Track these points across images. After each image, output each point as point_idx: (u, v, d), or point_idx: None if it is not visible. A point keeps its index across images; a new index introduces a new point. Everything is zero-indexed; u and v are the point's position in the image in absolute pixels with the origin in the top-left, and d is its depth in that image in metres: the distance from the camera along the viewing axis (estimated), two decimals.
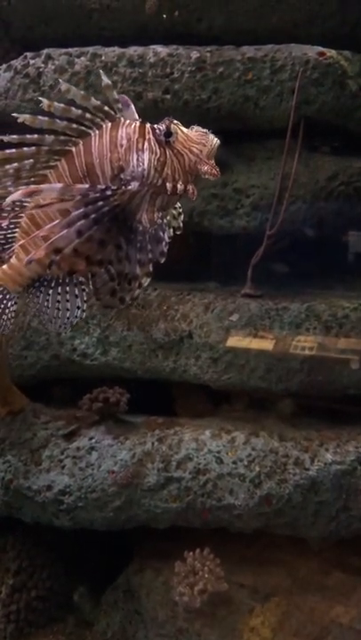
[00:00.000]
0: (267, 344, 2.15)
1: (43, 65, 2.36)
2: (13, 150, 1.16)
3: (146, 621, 2.01)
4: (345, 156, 2.41)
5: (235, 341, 2.17)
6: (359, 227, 2.49)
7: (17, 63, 2.40)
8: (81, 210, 1.13)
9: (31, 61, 2.38)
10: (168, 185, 1.14)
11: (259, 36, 2.37)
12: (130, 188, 1.15)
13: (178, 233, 1.34)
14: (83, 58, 2.33)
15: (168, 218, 1.32)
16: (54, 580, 2.23)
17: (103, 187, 1.15)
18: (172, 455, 2.02)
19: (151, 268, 1.28)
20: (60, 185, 1.16)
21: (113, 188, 1.15)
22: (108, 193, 1.14)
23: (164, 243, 1.28)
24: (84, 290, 1.33)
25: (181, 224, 1.35)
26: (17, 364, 2.36)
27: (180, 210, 1.34)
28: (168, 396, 2.40)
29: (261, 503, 1.93)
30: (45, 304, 1.38)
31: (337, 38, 2.34)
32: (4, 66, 2.43)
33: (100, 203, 1.14)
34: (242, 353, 2.16)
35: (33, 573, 2.19)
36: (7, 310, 1.40)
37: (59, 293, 1.36)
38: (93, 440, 2.10)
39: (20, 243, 1.23)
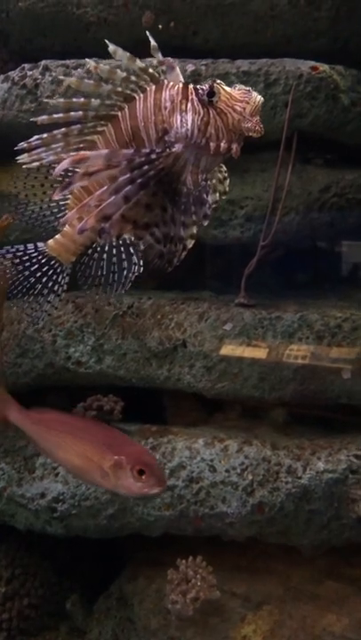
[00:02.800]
0: (260, 353, 2.16)
1: (40, 76, 2.38)
2: (60, 114, 1.16)
3: (138, 629, 2.01)
4: (338, 169, 2.45)
5: (228, 350, 2.18)
6: (352, 237, 2.53)
7: (14, 74, 2.42)
8: (127, 175, 1.13)
9: (28, 73, 2.40)
10: (212, 145, 1.14)
11: (253, 50, 2.41)
12: (174, 149, 1.15)
13: (224, 198, 1.34)
14: (80, 70, 2.36)
15: (214, 181, 1.32)
16: (47, 588, 2.23)
17: (148, 150, 1.16)
18: (166, 463, 2.03)
19: (195, 230, 1.28)
20: (105, 151, 1.17)
21: (157, 151, 1.15)
22: (153, 157, 1.15)
23: (207, 205, 1.28)
24: (137, 249, 1.34)
25: (228, 188, 1.34)
26: (11, 371, 2.37)
27: (226, 174, 1.33)
28: (161, 405, 2.42)
29: (254, 511, 1.94)
30: (99, 272, 1.39)
31: (330, 53, 2.38)
32: (2, 77, 2.44)
33: (146, 167, 1.14)
34: (235, 362, 2.17)
35: (25, 581, 2.19)
36: (57, 286, 1.40)
37: (113, 255, 1.36)
38: None
39: (72, 211, 1.22)
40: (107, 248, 1.37)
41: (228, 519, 1.95)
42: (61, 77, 1.15)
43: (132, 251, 1.35)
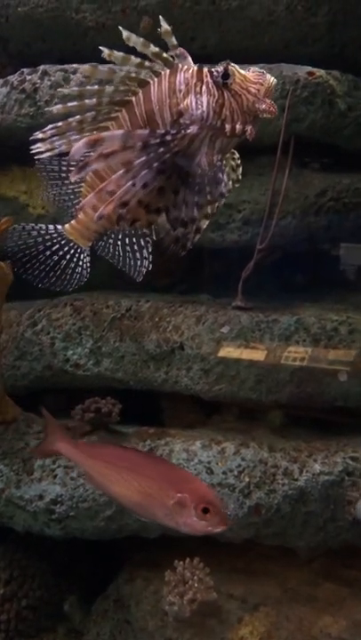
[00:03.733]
0: (257, 356, 2.18)
1: (39, 81, 2.40)
2: (75, 103, 1.16)
3: (135, 631, 2.02)
4: (334, 173, 2.47)
5: (226, 353, 2.20)
6: (348, 241, 2.54)
7: (13, 79, 2.43)
8: (143, 158, 1.14)
9: (27, 77, 2.42)
10: (227, 126, 1.15)
11: (251, 55, 2.42)
12: (189, 131, 1.16)
13: (237, 186, 1.34)
14: (78, 74, 2.37)
15: (227, 169, 1.32)
16: (45, 590, 2.23)
17: (163, 131, 1.16)
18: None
19: (210, 210, 1.28)
20: (121, 132, 1.17)
21: (172, 132, 1.16)
22: (169, 138, 1.15)
23: (223, 184, 1.27)
24: (148, 241, 1.34)
25: (240, 176, 1.35)
26: (10, 374, 2.38)
27: (239, 161, 1.34)
28: (158, 408, 2.42)
29: (250, 513, 1.95)
30: (117, 254, 1.39)
31: (326, 59, 2.40)
32: (1, 81, 2.46)
33: (162, 149, 1.15)
34: (233, 364, 2.19)
35: (23, 583, 2.19)
36: (81, 263, 1.41)
37: (127, 244, 1.37)
38: None
39: (87, 198, 1.22)
40: (120, 236, 1.37)
41: None
42: (75, 66, 1.15)
43: (142, 243, 1.36)
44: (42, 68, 2.42)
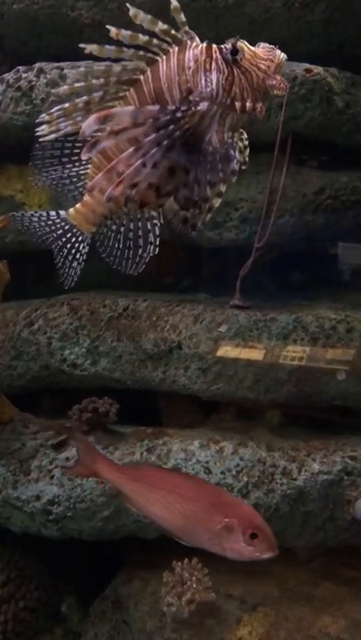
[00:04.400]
0: (255, 355, 2.17)
1: (35, 79, 2.39)
2: (82, 83, 1.15)
3: (134, 632, 2.01)
4: (332, 171, 2.46)
5: (224, 352, 2.19)
6: (346, 239, 2.54)
7: (9, 77, 2.42)
8: (152, 136, 1.12)
9: (23, 75, 2.41)
10: (237, 104, 1.13)
11: None
12: (199, 108, 1.14)
13: (244, 168, 1.32)
14: (74, 70, 2.36)
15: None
16: (42, 591, 2.22)
17: (173, 108, 1.14)
18: (161, 465, 2.02)
19: (222, 188, 1.26)
20: (131, 108, 1.15)
21: (183, 108, 1.14)
22: (179, 115, 1.13)
23: (235, 161, 1.25)
24: (155, 224, 1.32)
25: (247, 158, 1.32)
26: (6, 374, 2.37)
27: (247, 142, 1.32)
28: (156, 407, 2.42)
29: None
30: (116, 245, 1.36)
31: (324, 56, 2.39)
32: None
33: (172, 127, 1.13)
34: (230, 364, 2.18)
35: (21, 584, 2.18)
36: (78, 254, 1.39)
37: (130, 230, 1.34)
38: None
39: (96, 178, 1.19)
40: (125, 221, 1.35)
41: None
42: (82, 45, 1.12)
43: (149, 227, 1.33)
44: (38, 65, 2.41)
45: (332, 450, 2.05)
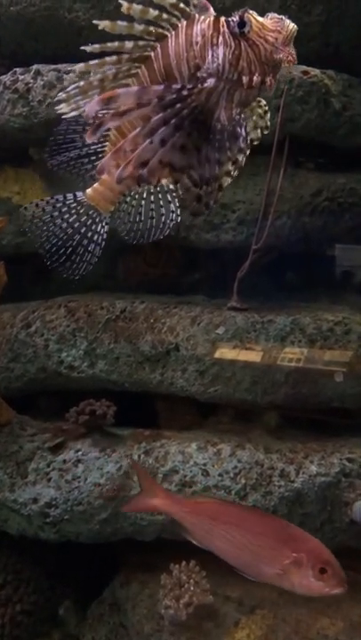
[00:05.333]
0: (253, 357, 2.17)
1: (32, 80, 2.39)
2: (96, 61, 1.13)
3: (131, 635, 2.00)
4: (329, 173, 2.46)
5: (221, 354, 2.19)
6: (343, 241, 2.54)
7: (6, 79, 2.42)
8: (160, 115, 1.11)
9: (20, 77, 2.40)
10: (244, 78, 1.11)
11: None
12: (206, 85, 1.12)
13: (265, 133, 1.30)
14: (71, 74, 2.35)
15: (254, 118, 1.28)
16: (39, 594, 2.21)
17: (179, 86, 1.12)
18: (159, 468, 2.02)
19: (231, 167, 1.24)
20: (135, 88, 1.13)
21: (189, 87, 1.12)
22: (185, 93, 1.12)
23: (241, 138, 1.23)
24: (174, 197, 1.32)
25: (268, 123, 1.30)
26: (3, 376, 2.37)
27: (266, 108, 1.29)
28: (153, 410, 2.41)
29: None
30: (137, 218, 1.36)
31: (321, 58, 2.39)
32: None
33: (179, 105, 1.11)
34: (228, 365, 2.18)
35: (18, 587, 2.17)
36: (97, 236, 1.37)
37: (152, 202, 1.34)
38: (80, 453, 2.11)
39: (105, 158, 1.19)
40: (145, 195, 1.35)
41: None
42: (95, 22, 1.11)
43: (169, 198, 1.33)
44: (35, 67, 2.41)
45: (330, 452, 2.05)
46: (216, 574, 2.01)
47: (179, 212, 1.34)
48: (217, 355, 2.18)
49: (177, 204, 1.33)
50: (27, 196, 2.56)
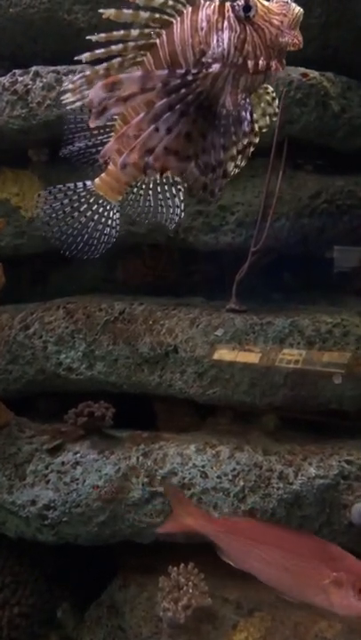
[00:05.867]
0: (251, 358, 2.17)
1: (31, 82, 2.39)
2: (102, 50, 1.12)
3: (129, 637, 2.00)
4: (328, 175, 2.47)
5: (220, 356, 2.19)
6: (342, 243, 2.54)
7: (5, 80, 2.42)
8: (164, 101, 1.09)
9: (19, 78, 2.40)
10: (249, 63, 1.09)
11: None
12: (211, 70, 1.11)
13: (275, 120, 1.29)
14: (71, 75, 2.36)
15: (262, 105, 1.27)
16: (37, 597, 2.21)
17: (183, 71, 1.11)
18: (157, 470, 2.02)
19: (235, 152, 1.23)
20: (139, 73, 1.12)
21: (193, 71, 1.11)
22: (190, 78, 1.10)
23: (246, 122, 1.21)
24: (179, 189, 1.32)
25: (278, 109, 1.30)
26: (2, 378, 2.36)
27: (274, 95, 1.28)
28: (152, 411, 2.41)
29: (246, 517, 1.94)
30: (147, 205, 1.37)
31: (319, 61, 2.40)
32: None
33: (183, 91, 1.10)
34: (227, 367, 2.18)
35: (16, 590, 2.17)
36: (110, 221, 1.37)
37: (159, 192, 1.34)
38: (78, 455, 2.10)
39: (108, 145, 1.17)
40: (151, 186, 1.35)
41: None
42: (101, 11, 1.10)
43: (174, 192, 1.33)
44: (34, 69, 2.41)
45: (329, 454, 2.05)
46: (214, 577, 2.01)
47: (183, 208, 1.34)
48: (216, 356, 2.18)
49: (181, 199, 1.33)
50: (25, 198, 2.56)
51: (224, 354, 2.18)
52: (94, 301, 2.40)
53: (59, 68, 2.38)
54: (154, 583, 1.98)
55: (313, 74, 2.32)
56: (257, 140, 1.27)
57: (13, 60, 2.62)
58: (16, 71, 2.43)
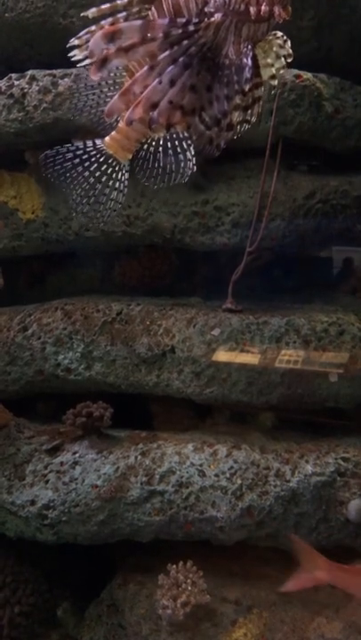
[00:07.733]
0: (248, 358, 2.18)
1: (27, 86, 2.40)
2: (107, 5, 1.12)
3: (129, 635, 2.01)
4: (322, 175, 2.48)
5: (217, 355, 2.20)
6: (336, 243, 2.56)
7: (1, 84, 2.43)
8: (167, 53, 1.07)
9: (16, 82, 2.42)
10: (252, 9, 1.08)
11: None
12: (213, 19, 1.09)
13: (290, 61, 1.27)
14: (66, 79, 2.38)
15: (274, 49, 1.26)
16: (38, 596, 2.21)
17: (184, 20, 1.09)
18: (155, 469, 2.03)
19: (239, 100, 1.22)
20: (139, 22, 1.09)
21: (195, 21, 1.09)
22: (192, 28, 1.09)
23: (248, 68, 1.19)
24: (189, 144, 1.31)
25: (290, 51, 1.27)
26: (0, 379, 2.37)
27: (285, 38, 1.26)
28: (150, 411, 2.42)
29: (243, 515, 1.95)
30: (157, 164, 1.36)
31: (313, 62, 2.41)
32: None
33: (186, 42, 1.08)
34: (224, 367, 2.19)
35: (16, 589, 2.17)
36: (118, 183, 1.37)
37: (168, 148, 1.34)
38: (77, 454, 2.12)
39: (112, 101, 1.14)
40: (161, 142, 1.35)
41: (217, 523, 1.96)
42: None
43: (185, 146, 1.33)
44: (30, 72, 2.43)
45: (325, 451, 2.06)
46: (214, 574, 2.02)
47: (195, 162, 1.33)
48: (212, 356, 2.19)
49: (192, 153, 1.32)
50: (23, 200, 2.58)
51: (221, 353, 2.19)
52: (92, 302, 2.42)
53: (55, 71, 2.40)
54: (153, 581, 1.99)
55: (306, 75, 2.33)
56: (263, 91, 1.24)
57: (9, 65, 2.64)
58: (12, 75, 2.44)
